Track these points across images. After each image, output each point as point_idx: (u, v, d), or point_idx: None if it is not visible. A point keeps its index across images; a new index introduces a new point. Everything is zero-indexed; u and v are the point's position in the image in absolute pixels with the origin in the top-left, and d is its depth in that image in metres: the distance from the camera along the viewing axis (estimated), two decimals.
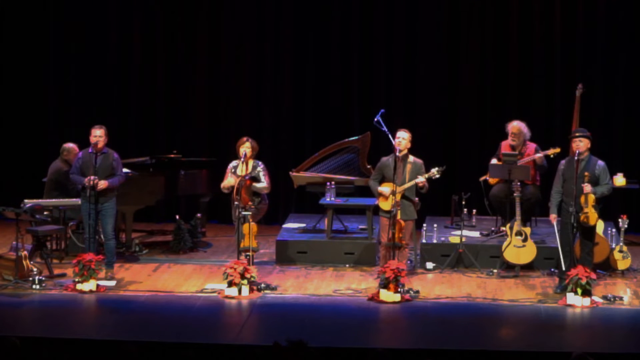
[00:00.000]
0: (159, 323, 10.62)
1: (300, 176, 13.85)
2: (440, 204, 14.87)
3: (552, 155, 13.27)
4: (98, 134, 12.14)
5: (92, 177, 11.92)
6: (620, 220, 12.71)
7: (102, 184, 11.99)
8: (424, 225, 13.84)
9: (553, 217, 11.92)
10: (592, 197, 11.58)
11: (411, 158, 12.08)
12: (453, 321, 10.83)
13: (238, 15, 15.74)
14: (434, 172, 11.98)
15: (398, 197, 11.85)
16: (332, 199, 13.43)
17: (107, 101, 15.91)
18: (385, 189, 11.98)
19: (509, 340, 10.55)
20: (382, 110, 13.89)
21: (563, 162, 11.96)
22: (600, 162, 11.79)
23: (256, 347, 9.67)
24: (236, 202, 12.07)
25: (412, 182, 11.91)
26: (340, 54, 15.68)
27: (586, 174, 11.59)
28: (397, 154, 11.91)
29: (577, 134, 11.84)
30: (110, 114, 15.76)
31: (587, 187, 11.56)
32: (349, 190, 13.75)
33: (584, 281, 11.24)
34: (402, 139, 12.03)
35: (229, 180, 12.37)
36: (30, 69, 15.93)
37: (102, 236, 12.45)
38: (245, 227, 11.96)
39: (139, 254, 13.56)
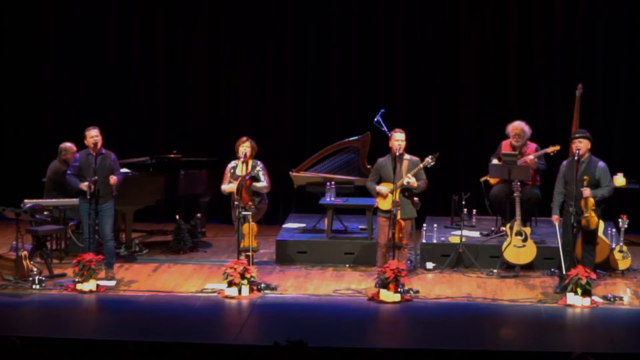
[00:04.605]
0: (159, 323, 10.62)
1: (300, 176, 13.85)
2: (440, 204, 14.88)
3: (551, 153, 13.28)
4: (95, 134, 12.13)
5: (93, 178, 11.92)
6: (620, 220, 12.71)
7: (113, 179, 12.00)
8: (424, 225, 13.85)
9: (555, 218, 11.92)
10: (591, 201, 11.56)
11: (407, 156, 12.10)
12: (453, 321, 10.83)
13: (238, 15, 15.74)
14: (428, 160, 12.00)
15: (397, 195, 11.85)
16: (332, 199, 13.43)
17: (107, 101, 15.92)
18: (382, 188, 12.00)
19: (509, 340, 10.55)
20: (382, 110, 13.92)
21: (564, 162, 11.94)
22: (601, 164, 11.76)
23: (256, 347, 9.67)
24: (236, 202, 12.07)
25: (402, 181, 11.90)
26: (340, 54, 15.68)
27: (585, 177, 11.55)
28: (397, 154, 11.93)
29: (577, 135, 11.83)
30: (110, 114, 15.77)
31: (586, 192, 11.53)
32: (349, 190, 13.74)
33: (584, 281, 11.24)
34: (402, 140, 12.03)
35: (231, 187, 12.31)
36: (30, 69, 15.94)
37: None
38: (245, 227, 11.96)
39: (139, 254, 13.57)
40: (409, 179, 11.91)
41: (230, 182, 12.41)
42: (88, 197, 11.93)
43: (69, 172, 12.33)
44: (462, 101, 15.59)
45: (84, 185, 11.97)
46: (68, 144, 13.46)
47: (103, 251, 12.22)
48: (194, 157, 14.62)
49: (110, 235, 12.22)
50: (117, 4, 15.89)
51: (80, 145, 12.52)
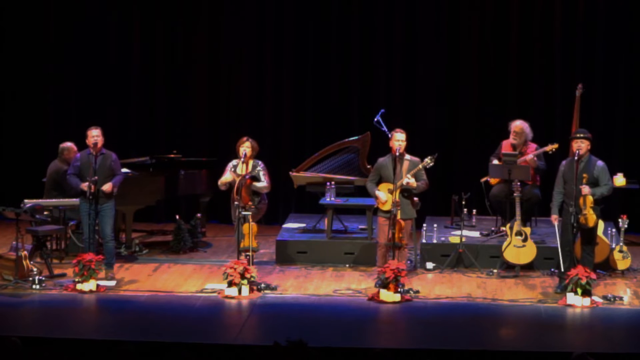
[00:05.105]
0: (159, 323, 10.62)
1: (300, 176, 13.85)
2: (440, 204, 14.88)
3: (550, 152, 13.27)
4: (96, 134, 12.12)
5: (93, 178, 11.91)
6: (620, 220, 12.71)
7: (107, 187, 11.99)
8: (424, 225, 13.85)
9: (554, 218, 11.92)
10: (590, 199, 11.56)
11: (407, 156, 12.10)
12: (453, 321, 10.83)
13: (238, 15, 15.74)
14: (427, 160, 12.00)
15: (397, 195, 11.85)
16: (332, 199, 13.43)
17: (107, 101, 15.92)
18: (381, 194, 11.99)
19: (509, 340, 10.55)
20: (382, 110, 13.92)
21: (564, 162, 11.95)
22: (600, 163, 11.77)
23: (256, 347, 9.67)
24: (236, 202, 12.07)
25: (401, 181, 11.90)
26: (340, 54, 15.68)
27: (585, 175, 11.56)
28: (397, 154, 11.93)
29: (578, 135, 11.83)
30: (110, 114, 15.77)
31: (585, 189, 11.54)
32: (349, 190, 13.74)
33: (584, 281, 11.24)
34: (402, 141, 12.03)
35: (226, 177, 12.33)
36: (30, 69, 15.94)
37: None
38: (245, 227, 11.96)
39: (139, 254, 13.57)
40: (408, 179, 11.91)
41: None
42: (88, 197, 11.94)
43: (69, 171, 12.33)
44: (462, 101, 15.58)
45: (84, 186, 11.98)
46: (69, 144, 13.47)
47: (103, 251, 12.22)
48: (194, 157, 14.62)
49: (110, 236, 12.21)
50: (117, 4, 15.89)
51: (81, 145, 12.52)
